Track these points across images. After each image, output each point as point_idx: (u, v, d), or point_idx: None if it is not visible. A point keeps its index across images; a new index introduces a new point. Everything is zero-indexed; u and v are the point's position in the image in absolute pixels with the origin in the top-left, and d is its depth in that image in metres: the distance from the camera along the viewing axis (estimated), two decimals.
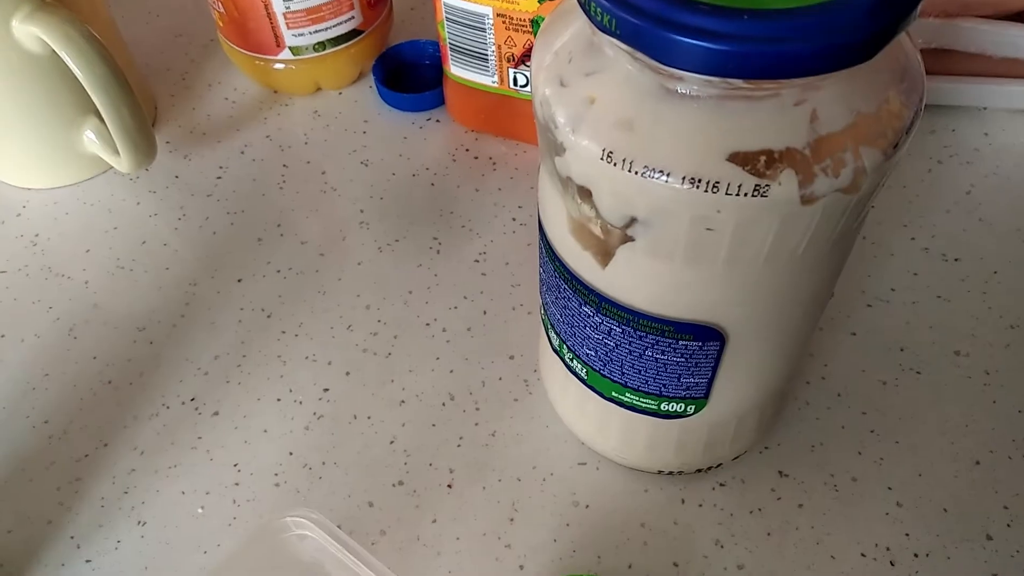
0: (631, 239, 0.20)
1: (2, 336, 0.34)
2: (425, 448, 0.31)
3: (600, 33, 0.18)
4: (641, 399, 0.25)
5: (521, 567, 0.28)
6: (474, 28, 0.35)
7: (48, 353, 0.34)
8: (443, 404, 0.32)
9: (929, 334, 0.33)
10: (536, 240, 0.37)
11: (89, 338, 0.34)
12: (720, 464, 0.29)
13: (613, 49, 0.18)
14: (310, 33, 0.40)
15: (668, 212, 0.18)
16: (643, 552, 0.28)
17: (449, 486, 0.30)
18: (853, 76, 0.17)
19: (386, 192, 0.39)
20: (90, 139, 0.38)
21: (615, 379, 0.25)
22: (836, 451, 0.30)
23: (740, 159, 0.17)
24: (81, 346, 0.34)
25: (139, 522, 0.29)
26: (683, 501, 0.29)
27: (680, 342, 0.22)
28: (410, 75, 0.43)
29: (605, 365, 0.24)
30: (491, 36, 0.35)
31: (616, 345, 0.23)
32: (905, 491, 0.29)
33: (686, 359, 0.23)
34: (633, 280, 0.21)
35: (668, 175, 0.18)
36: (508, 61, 0.36)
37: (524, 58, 0.36)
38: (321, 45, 0.40)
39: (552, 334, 0.26)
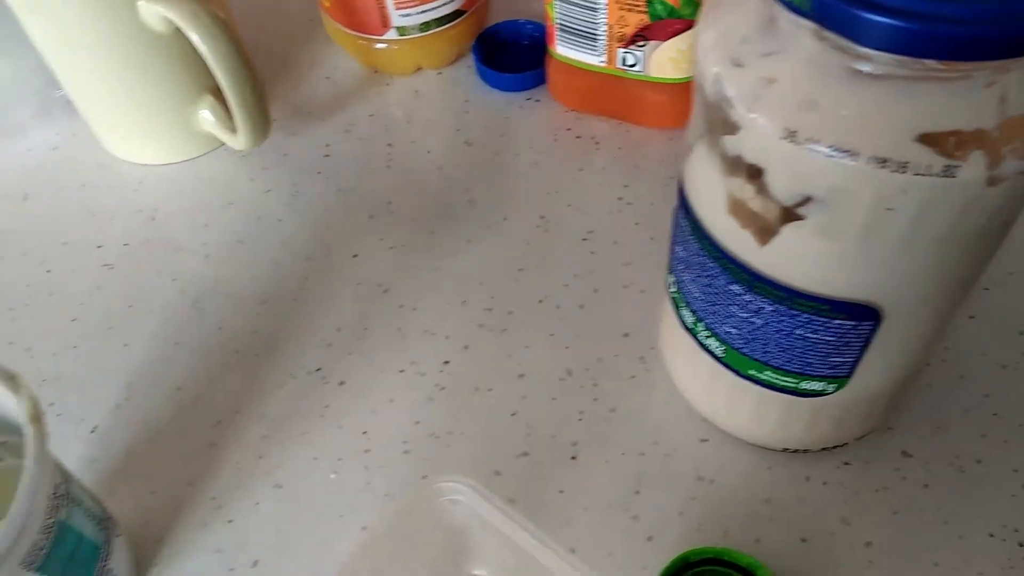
0: (800, 218, 0.20)
1: (131, 307, 0.36)
2: (547, 421, 0.31)
3: (786, 13, 0.18)
4: (781, 377, 0.25)
5: (649, 538, 0.28)
6: (586, 8, 0.36)
7: (176, 324, 0.35)
8: (561, 379, 0.32)
9: None
10: (643, 220, 0.37)
11: (214, 310, 0.36)
12: (845, 444, 0.29)
13: (796, 29, 0.18)
14: (417, 13, 0.40)
15: (849, 192, 0.19)
16: (770, 527, 0.28)
17: (573, 458, 0.30)
18: None
19: (491, 171, 0.40)
20: (206, 117, 0.39)
21: (756, 357, 0.25)
22: (960, 433, 0.30)
23: (930, 140, 0.17)
24: (207, 317, 0.35)
25: (275, 485, 0.30)
26: (808, 479, 0.29)
27: (835, 321, 0.22)
28: (508, 55, 0.44)
29: (747, 343, 0.25)
30: (603, 16, 0.36)
31: (764, 323, 0.24)
32: None
33: (837, 338, 0.23)
34: (794, 258, 0.21)
35: (855, 155, 0.18)
36: (619, 41, 0.36)
37: (636, 38, 0.36)
38: (426, 25, 0.41)
39: (686, 312, 0.27)
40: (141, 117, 0.39)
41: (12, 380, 0.23)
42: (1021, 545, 0.28)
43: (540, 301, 0.35)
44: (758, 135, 0.19)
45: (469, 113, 0.42)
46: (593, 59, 0.38)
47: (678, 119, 0.39)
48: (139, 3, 0.35)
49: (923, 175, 0.18)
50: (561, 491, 0.29)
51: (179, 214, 0.39)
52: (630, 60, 0.37)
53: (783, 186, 0.20)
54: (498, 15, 0.46)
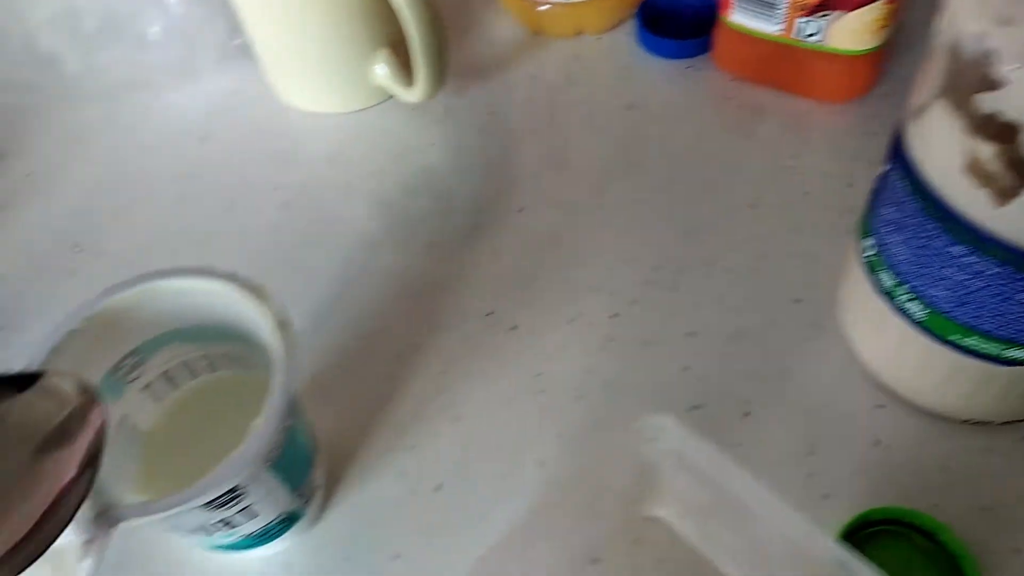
0: None
1: (309, 245, 0.38)
2: (718, 377, 0.32)
3: None
4: (984, 343, 0.25)
5: (825, 496, 0.29)
6: None
7: (353, 262, 0.37)
8: (731, 339, 0.33)
9: None
10: (813, 189, 0.37)
11: (388, 251, 0.37)
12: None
13: None
14: None
15: None
16: (948, 494, 0.28)
17: (747, 414, 0.31)
18: None
19: (653, 136, 0.40)
20: (380, 71, 0.41)
21: (963, 321, 0.25)
22: None
23: None
24: (382, 258, 0.37)
25: (454, 417, 0.32)
26: (988, 450, 0.29)
27: None
28: (671, 22, 0.44)
29: (957, 307, 0.25)
30: None
31: (984, 287, 0.24)
32: None
33: None
34: None
35: None
36: (800, 10, 0.36)
37: (819, 8, 0.36)
38: None
39: (885, 276, 0.27)
40: (320, 68, 0.41)
41: (258, 291, 0.25)
42: None
43: (708, 264, 0.35)
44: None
45: (630, 78, 0.43)
46: (769, 27, 0.38)
47: (852, 91, 0.39)
48: None
49: None
50: (738, 444, 0.30)
51: (350, 161, 0.41)
52: (809, 30, 0.37)
53: None
54: None
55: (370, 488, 0.31)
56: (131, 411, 0.27)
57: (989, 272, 0.23)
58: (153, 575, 0.29)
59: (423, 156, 0.41)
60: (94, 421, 0.19)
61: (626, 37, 0.45)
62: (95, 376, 0.25)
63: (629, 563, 0.28)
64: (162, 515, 0.21)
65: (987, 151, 0.21)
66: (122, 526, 0.21)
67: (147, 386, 0.28)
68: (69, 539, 0.21)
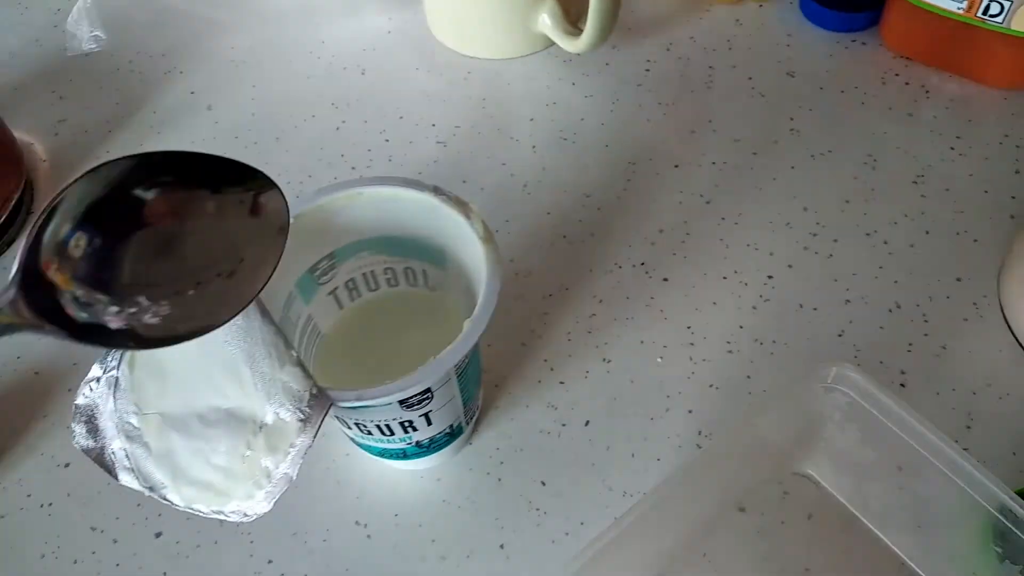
0: None
1: (464, 182, 0.39)
2: (874, 346, 0.32)
3: None
4: None
5: None
6: None
7: (507, 203, 0.38)
8: (889, 311, 0.33)
9: None
10: (977, 171, 0.36)
11: (542, 195, 0.38)
12: None
13: None
14: None
15: None
16: None
17: (902, 385, 0.31)
18: None
19: (814, 104, 0.40)
20: (544, 20, 0.41)
21: None
22: None
23: None
24: (535, 200, 0.38)
25: (604, 359, 0.33)
26: None
27: None
28: None
29: None
30: None
31: None
32: None
33: None
34: None
35: None
36: None
37: None
38: None
39: None
40: (486, 13, 0.42)
41: (464, 205, 0.26)
42: None
43: (867, 234, 0.35)
44: None
45: (791, 47, 0.42)
46: (951, 5, 0.37)
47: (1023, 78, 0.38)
48: None
49: None
50: None
51: (506, 106, 0.42)
52: (994, 9, 0.36)
53: None
54: None
55: (520, 417, 0.32)
56: (316, 314, 0.29)
57: None
58: (313, 481, 0.31)
59: (579, 107, 0.41)
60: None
61: (790, 6, 0.44)
62: (298, 272, 0.27)
63: (777, 515, 0.28)
64: (371, 401, 0.22)
65: None
66: (331, 409, 0.23)
67: (332, 292, 0.29)
68: (287, 416, 0.22)
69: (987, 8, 0.36)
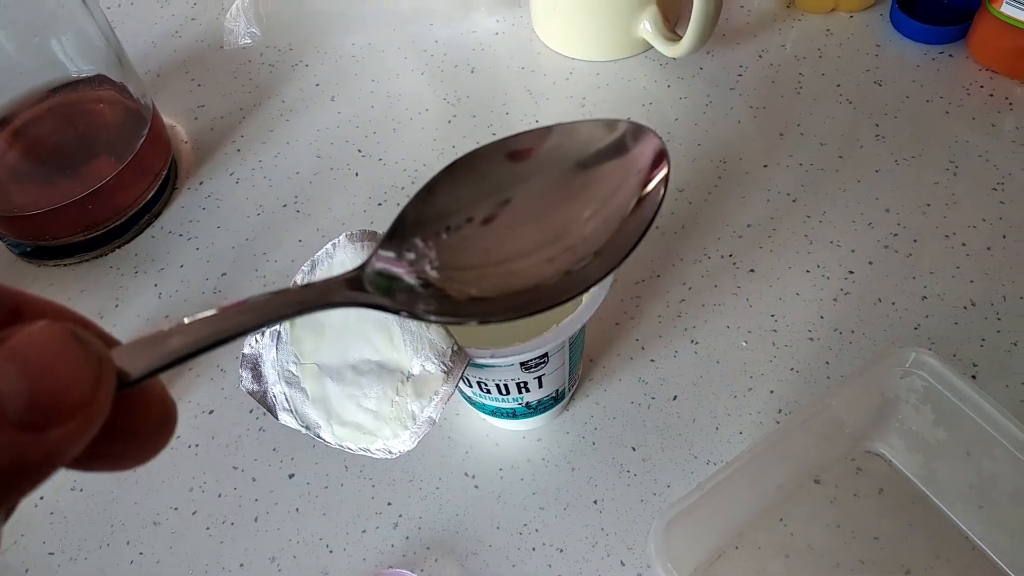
0: None
1: None
2: (948, 340, 0.34)
3: None
4: None
5: None
6: None
7: None
8: (964, 308, 0.35)
9: None
10: None
11: None
12: None
13: None
14: None
15: None
16: None
17: (973, 376, 0.33)
18: None
19: (900, 112, 0.42)
20: (645, 26, 0.45)
21: None
22: None
23: None
24: None
25: (692, 341, 0.36)
26: None
27: None
28: (923, 7, 0.45)
29: None
30: None
31: None
32: None
33: None
34: None
35: None
36: None
37: None
38: None
39: None
40: (589, 16, 0.45)
41: None
42: None
43: (946, 236, 0.37)
44: None
45: (880, 56, 0.45)
46: None
47: None
48: None
49: None
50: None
51: (604, 105, 0.45)
52: None
53: None
54: None
55: (613, 389, 0.35)
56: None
57: None
58: (429, 437, 0.35)
59: (674, 108, 0.44)
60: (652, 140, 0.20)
61: (879, 18, 0.46)
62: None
63: (850, 488, 0.31)
64: (500, 360, 0.26)
65: None
66: (469, 363, 0.26)
67: None
68: (433, 368, 0.26)
69: None
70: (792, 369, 0.34)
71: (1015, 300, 0.35)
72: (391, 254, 0.19)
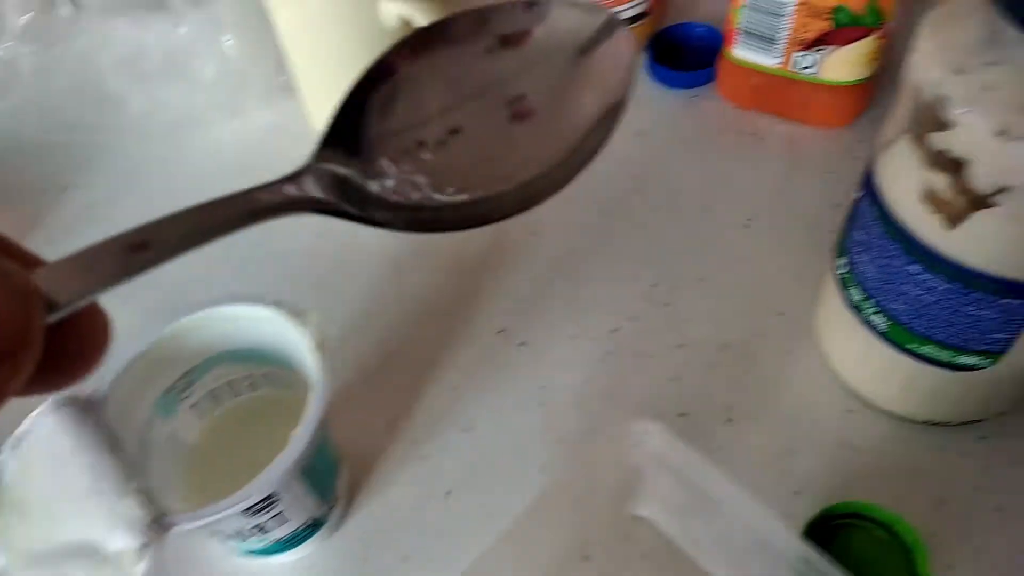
0: (993, 205, 0.22)
1: (338, 268, 0.41)
2: (705, 386, 0.34)
3: (1012, 30, 0.21)
4: (938, 351, 0.28)
5: (796, 492, 0.31)
6: (773, 14, 0.38)
7: (378, 282, 0.40)
8: (719, 350, 0.35)
9: None
10: (799, 210, 0.39)
11: (411, 270, 0.40)
12: (984, 420, 0.31)
13: (1019, 42, 0.21)
14: None
15: None
16: (908, 490, 0.31)
17: (728, 420, 0.33)
18: None
19: (659, 159, 0.43)
20: None
21: (919, 332, 0.27)
22: None
23: None
24: (406, 277, 0.40)
25: (465, 428, 0.35)
26: (944, 449, 0.31)
27: (1003, 300, 0.25)
28: (680, 54, 0.47)
29: (915, 319, 0.27)
30: (787, 22, 0.38)
31: (936, 301, 0.26)
32: None
33: (1002, 315, 0.25)
34: (979, 241, 0.24)
35: None
36: (798, 45, 0.39)
37: (815, 43, 0.38)
38: None
39: (854, 291, 0.29)
40: None
41: (302, 315, 0.28)
42: None
43: (702, 279, 0.38)
44: (970, 132, 0.22)
45: (640, 107, 0.45)
46: (769, 61, 0.40)
47: (843, 118, 0.41)
48: (381, 2, 0.39)
49: None
50: (718, 447, 0.32)
51: None
52: (805, 63, 0.39)
53: (984, 176, 0.22)
54: (672, 18, 0.49)
55: (386, 496, 0.33)
56: (179, 427, 0.31)
57: (940, 288, 0.26)
58: None
59: None
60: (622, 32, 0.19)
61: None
62: (153, 396, 0.29)
63: (618, 559, 0.31)
64: (209, 520, 0.24)
65: (939, 182, 0.24)
66: (173, 532, 0.25)
67: (195, 404, 0.31)
68: (125, 544, 0.24)
69: (799, 62, 0.40)
70: (560, 440, 0.34)
71: (765, 335, 0.36)
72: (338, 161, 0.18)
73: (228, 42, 0.46)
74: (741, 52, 0.41)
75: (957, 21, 0.23)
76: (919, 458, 0.31)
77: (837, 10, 0.36)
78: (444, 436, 0.35)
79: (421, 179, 0.19)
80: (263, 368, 0.31)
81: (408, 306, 0.39)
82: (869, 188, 0.27)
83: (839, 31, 0.37)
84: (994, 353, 0.27)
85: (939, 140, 0.23)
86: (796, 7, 0.37)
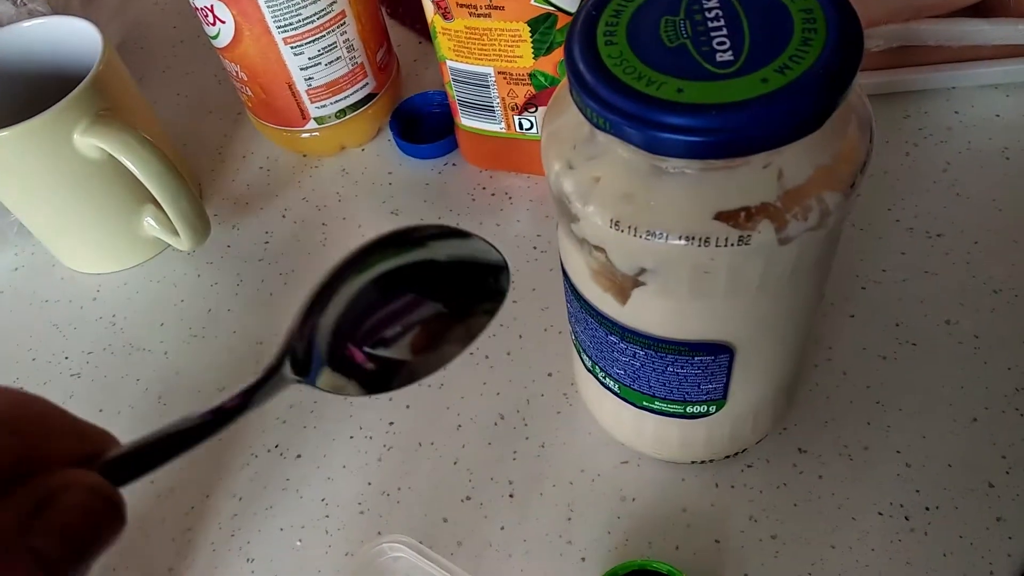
0: (643, 283, 0.24)
1: (101, 411, 0.39)
2: (485, 465, 0.35)
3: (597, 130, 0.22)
4: (668, 406, 0.29)
5: (583, 559, 0.32)
6: (478, 85, 0.39)
7: (143, 421, 0.38)
8: (495, 424, 0.36)
9: (920, 307, 0.37)
10: (557, 266, 0.41)
11: (177, 403, 0.39)
12: (745, 449, 0.33)
13: (609, 139, 0.22)
14: (331, 103, 0.44)
15: (671, 263, 0.22)
16: (687, 534, 0.32)
17: (511, 496, 0.34)
18: (808, 138, 0.21)
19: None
20: (150, 224, 0.43)
21: (644, 391, 0.29)
22: (847, 424, 0.34)
23: (724, 217, 0.21)
24: (171, 411, 0.39)
25: (248, 559, 0.34)
26: (717, 485, 0.33)
27: (695, 358, 0.26)
28: (423, 123, 0.48)
29: (634, 381, 0.28)
30: (495, 91, 0.39)
31: (641, 365, 0.27)
32: (912, 453, 0.33)
33: (702, 371, 0.27)
34: (649, 313, 0.25)
35: (666, 236, 0.22)
36: (512, 110, 0.40)
37: (527, 106, 0.40)
38: (342, 112, 0.45)
39: (584, 357, 0.31)
40: (89, 233, 0.43)
41: None
42: (907, 519, 0.31)
43: (471, 354, 0.38)
44: (593, 224, 0.23)
45: (393, 184, 0.46)
46: (493, 126, 0.41)
47: None
48: (75, 137, 0.38)
49: (723, 246, 0.21)
50: (502, 528, 0.33)
51: (136, 316, 0.43)
52: (525, 124, 0.41)
53: (620, 260, 0.23)
54: (413, 88, 0.49)
55: None
56: None
57: (640, 354, 0.27)
58: None
59: (205, 298, 0.43)
60: None
61: (388, 143, 0.48)
62: None
63: None
64: None
65: (598, 263, 0.25)
66: None
67: None
68: None
69: (521, 124, 0.41)
70: (347, 553, 0.33)
71: (537, 399, 0.36)
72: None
73: None
74: (467, 121, 0.42)
75: (563, 113, 0.24)
76: (694, 499, 0.33)
77: (532, 75, 0.38)
78: (228, 573, 0.33)
79: None
80: None
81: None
82: (562, 266, 0.29)
83: (543, 93, 0.39)
84: (717, 399, 0.28)
85: (577, 230, 0.24)
86: (496, 77, 0.39)
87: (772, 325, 0.26)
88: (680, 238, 0.21)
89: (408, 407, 0.37)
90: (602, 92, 0.21)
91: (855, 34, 0.21)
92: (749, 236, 0.21)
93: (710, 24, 0.21)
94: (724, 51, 0.21)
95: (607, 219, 0.22)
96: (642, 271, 0.23)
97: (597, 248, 0.24)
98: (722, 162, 0.21)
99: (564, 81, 0.25)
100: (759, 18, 0.21)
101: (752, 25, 0.21)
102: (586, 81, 0.21)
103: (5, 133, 0.37)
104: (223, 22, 0.40)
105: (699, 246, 0.21)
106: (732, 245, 0.21)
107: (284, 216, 0.45)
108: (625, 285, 0.24)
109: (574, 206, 0.23)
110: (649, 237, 0.22)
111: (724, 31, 0.21)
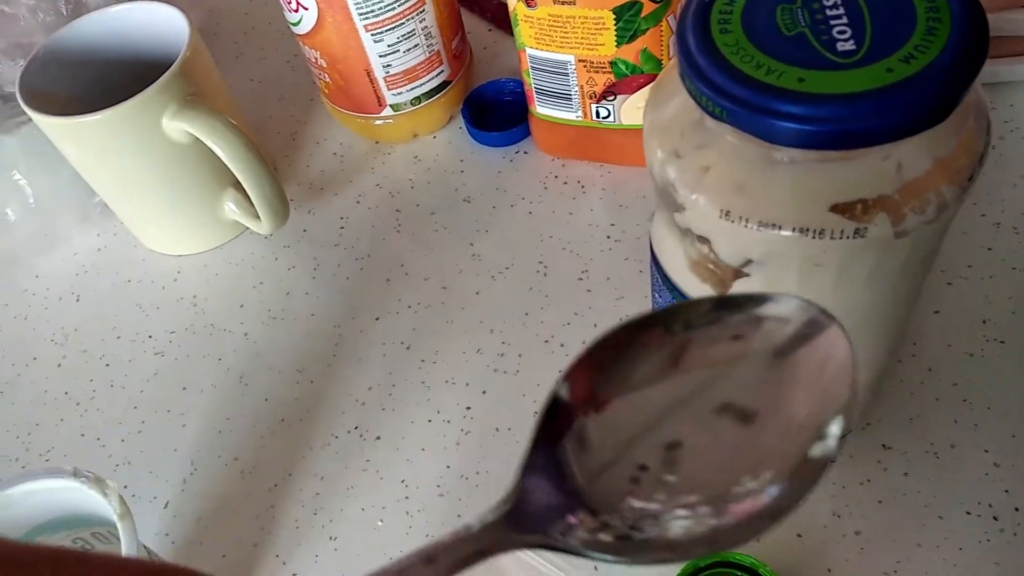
0: (746, 274, 0.24)
1: (184, 389, 0.40)
2: None
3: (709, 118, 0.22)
4: None
5: None
6: (558, 73, 0.39)
7: (226, 400, 0.39)
8: None
9: (1008, 304, 0.36)
10: (631, 255, 0.41)
11: (258, 383, 0.40)
12: None
13: (720, 127, 0.22)
14: (407, 91, 0.44)
15: (780, 254, 0.22)
16: None
17: None
18: (930, 130, 0.20)
19: (490, 224, 0.43)
20: (230, 208, 0.44)
21: None
22: (933, 421, 0.33)
23: (840, 209, 0.21)
24: (252, 390, 0.40)
25: (331, 537, 0.34)
26: None
27: None
28: (495, 111, 0.48)
29: None
30: (574, 79, 0.39)
31: None
32: (1001, 452, 0.32)
33: None
34: None
35: (780, 227, 0.21)
36: (591, 98, 0.40)
37: (605, 94, 0.40)
38: (417, 99, 0.45)
39: None
40: (173, 216, 0.44)
41: (101, 484, 0.27)
42: (996, 519, 0.31)
43: (546, 341, 0.38)
44: (701, 214, 0.23)
45: (465, 172, 0.46)
46: (569, 115, 0.41)
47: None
48: (163, 121, 0.39)
49: (838, 239, 0.21)
50: None
51: (216, 298, 0.44)
52: (603, 113, 0.41)
53: (726, 252, 0.23)
54: (483, 76, 0.49)
55: None
56: None
57: None
58: None
59: (283, 281, 0.43)
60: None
61: (460, 131, 0.48)
62: None
63: None
64: None
65: (700, 254, 0.25)
66: None
67: None
68: None
69: (598, 112, 0.41)
70: (427, 535, 0.34)
71: None
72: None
73: (19, 180, 0.44)
74: (543, 109, 0.42)
75: (671, 93, 0.24)
76: None
77: (613, 63, 0.38)
78: (311, 550, 0.34)
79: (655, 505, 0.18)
80: (89, 529, 0.30)
81: (259, 421, 0.38)
82: (652, 254, 0.28)
83: (623, 81, 0.39)
84: None
85: (680, 220, 0.24)
86: (576, 65, 0.38)
87: (873, 319, 0.25)
88: (794, 230, 0.21)
89: (484, 393, 0.37)
90: (721, 81, 0.20)
91: (981, 23, 0.20)
92: (865, 229, 0.21)
93: (828, 12, 0.21)
94: (845, 40, 0.20)
95: (718, 209, 0.22)
96: (747, 262, 0.23)
97: (701, 238, 0.24)
98: (839, 153, 0.21)
99: (668, 68, 0.25)
100: (881, 6, 0.21)
101: (873, 14, 0.21)
102: (703, 70, 0.21)
103: (97, 117, 0.38)
104: (306, 9, 0.41)
105: (813, 238, 0.21)
106: (847, 238, 0.21)
107: (358, 202, 0.46)
108: (726, 276, 0.24)
109: (680, 195, 0.23)
110: (762, 228, 0.22)
111: (844, 20, 0.21)
